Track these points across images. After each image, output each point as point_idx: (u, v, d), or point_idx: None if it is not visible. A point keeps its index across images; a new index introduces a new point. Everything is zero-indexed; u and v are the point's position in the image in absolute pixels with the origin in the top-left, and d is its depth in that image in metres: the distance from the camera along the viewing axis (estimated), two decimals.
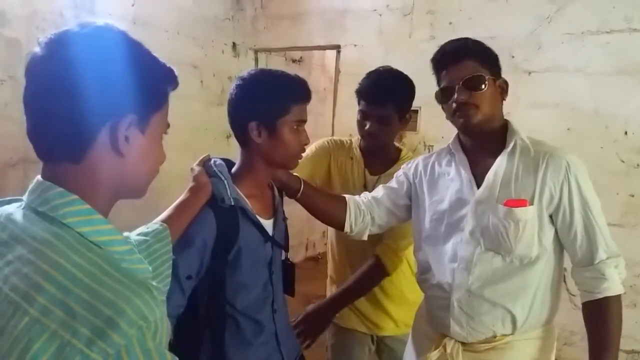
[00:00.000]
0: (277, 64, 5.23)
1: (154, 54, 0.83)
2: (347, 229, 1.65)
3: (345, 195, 1.70)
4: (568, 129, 3.36)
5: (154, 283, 0.74)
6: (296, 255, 5.92)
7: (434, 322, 1.60)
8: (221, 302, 1.36)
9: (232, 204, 1.33)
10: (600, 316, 1.40)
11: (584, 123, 3.32)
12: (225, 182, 1.34)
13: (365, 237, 1.71)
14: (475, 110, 1.41)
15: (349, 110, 4.34)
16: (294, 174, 1.58)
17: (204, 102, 4.22)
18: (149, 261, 1.07)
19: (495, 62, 1.46)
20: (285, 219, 1.54)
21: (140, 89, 0.77)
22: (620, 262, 1.41)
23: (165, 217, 1.26)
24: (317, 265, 5.55)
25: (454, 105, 1.43)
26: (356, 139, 2.07)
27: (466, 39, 1.48)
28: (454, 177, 1.54)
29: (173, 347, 0.79)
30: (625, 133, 3.23)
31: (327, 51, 5.49)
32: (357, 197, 1.70)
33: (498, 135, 1.47)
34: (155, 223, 1.21)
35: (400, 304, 1.98)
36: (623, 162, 3.24)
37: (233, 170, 1.43)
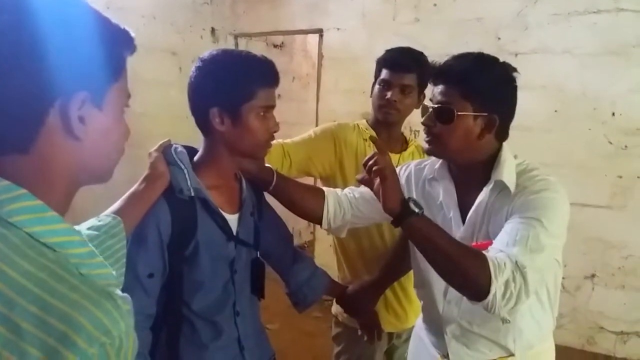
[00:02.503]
0: (258, 49, 5.11)
1: (104, 14, 0.70)
2: (324, 225, 1.56)
3: (324, 188, 1.62)
4: (555, 111, 3.32)
5: (119, 291, 0.65)
6: None
7: (433, 341, 1.54)
8: (178, 303, 1.28)
9: (192, 194, 1.23)
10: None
11: (571, 105, 3.29)
12: (185, 171, 1.24)
13: (343, 235, 1.62)
14: (435, 140, 1.32)
15: (333, 96, 4.29)
16: (267, 165, 1.48)
17: (183, 89, 4.01)
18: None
19: (487, 96, 1.28)
20: (253, 213, 1.43)
21: (91, 60, 0.66)
22: (517, 279, 1.14)
23: (117, 209, 1.15)
24: None
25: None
26: (362, 121, 2.01)
27: (467, 59, 1.32)
28: (442, 205, 1.44)
29: None
30: (613, 114, 3.20)
31: (309, 36, 5.39)
32: (339, 191, 1.61)
33: (484, 167, 1.34)
34: (108, 216, 1.09)
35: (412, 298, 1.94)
36: (611, 143, 3.21)
37: (195, 158, 1.33)
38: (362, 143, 1.94)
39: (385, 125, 1.92)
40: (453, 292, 1.38)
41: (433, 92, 1.35)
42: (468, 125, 1.29)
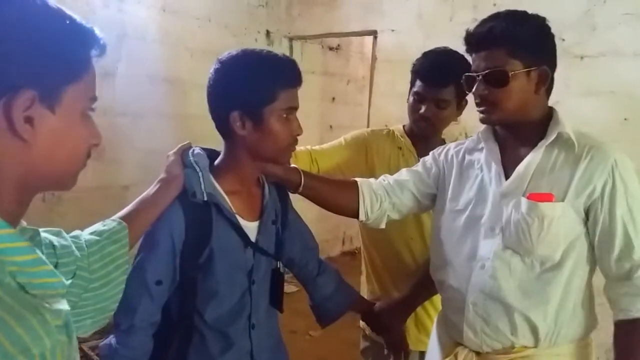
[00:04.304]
0: (313, 52, 5.09)
1: (68, 11, 0.65)
2: (362, 216, 1.49)
3: (356, 179, 1.54)
4: (625, 119, 3.09)
5: (64, 303, 0.62)
6: (332, 249, 5.81)
7: (448, 327, 1.47)
8: (191, 312, 1.24)
9: (205, 199, 1.19)
10: (636, 337, 1.23)
11: None
12: (200, 174, 1.20)
13: (383, 225, 1.54)
14: (492, 107, 1.29)
15: (386, 100, 4.19)
16: (293, 165, 1.42)
17: None
18: (101, 265, 0.95)
19: (534, 48, 1.27)
20: (276, 221, 1.37)
21: (41, 57, 0.61)
22: None
23: (126, 213, 1.12)
24: (352, 261, 5.40)
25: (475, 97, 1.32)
26: (399, 127, 1.92)
27: (500, 18, 1.28)
28: (482, 166, 1.40)
29: None
30: None
31: (366, 38, 5.31)
32: (372, 180, 1.55)
33: (537, 126, 1.32)
34: (113, 220, 1.07)
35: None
36: None
37: (215, 162, 1.29)
38: (396, 151, 1.85)
39: (422, 135, 1.82)
40: (481, 254, 1.33)
41: (475, 60, 1.31)
42: (523, 84, 1.27)
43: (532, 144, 1.30)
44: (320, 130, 5.10)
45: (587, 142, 1.26)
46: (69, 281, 0.83)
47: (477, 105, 1.32)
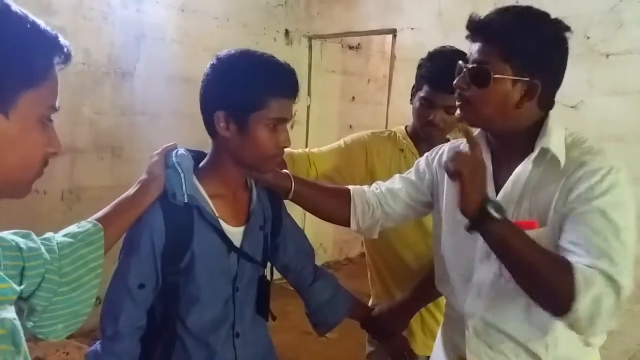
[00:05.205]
0: (333, 51, 5.05)
1: (32, 18, 0.64)
2: (353, 226, 1.44)
3: (350, 187, 1.49)
4: None
5: (10, 310, 0.60)
6: (351, 250, 5.77)
7: (452, 345, 1.39)
8: (173, 318, 1.21)
9: (186, 201, 1.15)
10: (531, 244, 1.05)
11: None
12: (182, 175, 1.16)
13: (375, 236, 1.49)
14: (467, 106, 1.18)
15: (405, 99, 4.10)
16: (284, 171, 1.39)
17: None
18: (73, 269, 0.93)
19: (531, 58, 1.12)
20: (264, 227, 1.33)
21: None
22: (609, 295, 0.98)
23: (103, 215, 1.09)
24: None
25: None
26: (401, 128, 1.87)
27: (507, 14, 1.15)
28: None
29: None
30: None
31: (387, 37, 5.26)
32: (365, 188, 1.49)
33: (526, 136, 1.18)
34: (89, 222, 1.04)
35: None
36: None
37: (201, 164, 1.26)
38: (398, 154, 1.80)
39: (427, 139, 1.76)
40: (478, 279, 1.24)
41: (470, 50, 1.19)
42: (505, 91, 1.13)
43: (523, 156, 1.18)
44: (339, 130, 5.06)
45: (578, 158, 1.12)
46: (23, 286, 0.80)
47: (457, 97, 1.22)
